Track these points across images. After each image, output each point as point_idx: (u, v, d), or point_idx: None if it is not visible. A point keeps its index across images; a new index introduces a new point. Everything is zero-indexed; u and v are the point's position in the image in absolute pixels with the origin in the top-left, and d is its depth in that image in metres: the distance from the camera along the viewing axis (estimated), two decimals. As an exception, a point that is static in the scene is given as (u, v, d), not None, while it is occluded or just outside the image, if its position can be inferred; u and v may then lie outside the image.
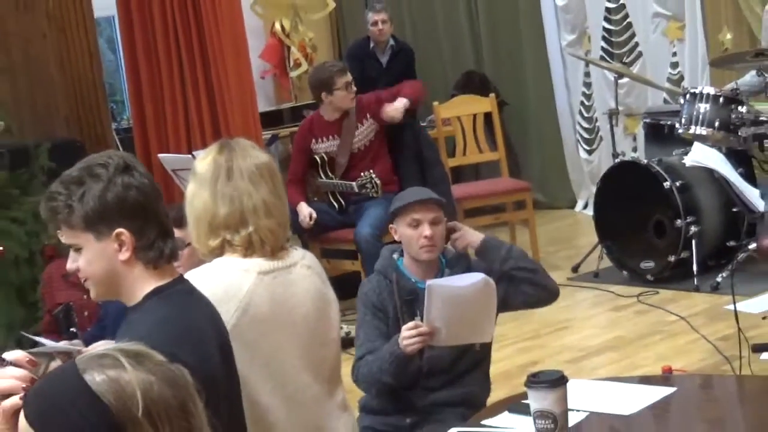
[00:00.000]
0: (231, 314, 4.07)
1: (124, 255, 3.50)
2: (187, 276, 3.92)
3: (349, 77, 9.52)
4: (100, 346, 2.94)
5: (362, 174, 9.16)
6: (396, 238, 5.33)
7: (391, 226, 5.40)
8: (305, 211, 9.37)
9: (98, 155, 3.66)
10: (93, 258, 3.54)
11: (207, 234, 4.28)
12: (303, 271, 4.41)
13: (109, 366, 2.19)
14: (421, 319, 4.85)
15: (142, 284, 3.56)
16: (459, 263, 5.36)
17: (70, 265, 3.64)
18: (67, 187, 3.51)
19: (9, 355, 2.48)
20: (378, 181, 9.10)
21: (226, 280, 4.12)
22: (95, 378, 2.16)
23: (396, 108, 9.69)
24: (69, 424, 2.16)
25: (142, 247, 3.52)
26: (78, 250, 3.56)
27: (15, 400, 2.35)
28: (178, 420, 2.19)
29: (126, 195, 3.48)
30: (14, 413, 2.34)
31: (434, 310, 4.83)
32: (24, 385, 2.38)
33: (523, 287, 5.21)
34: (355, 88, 9.55)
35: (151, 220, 3.54)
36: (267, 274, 4.24)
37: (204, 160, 4.40)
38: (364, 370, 5.04)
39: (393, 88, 10.15)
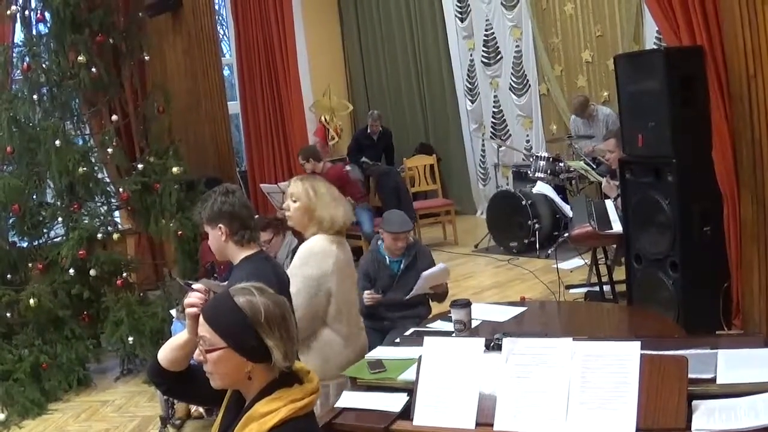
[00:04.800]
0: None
1: (223, 237, 3.58)
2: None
3: (300, 162, 9.13)
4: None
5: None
6: (382, 237, 5.36)
7: (380, 229, 5.41)
8: None
9: (217, 186, 3.76)
10: (212, 238, 3.64)
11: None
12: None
13: (247, 293, 2.28)
14: (378, 291, 5.21)
15: (238, 253, 3.61)
16: (412, 247, 5.42)
17: (208, 242, 3.76)
18: (201, 203, 3.68)
19: (195, 285, 2.53)
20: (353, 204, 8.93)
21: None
22: (240, 299, 2.26)
23: None
24: (226, 321, 2.25)
25: (232, 234, 3.58)
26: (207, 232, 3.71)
27: (196, 310, 2.41)
28: (281, 324, 2.27)
29: (222, 207, 3.57)
30: (195, 317, 2.40)
31: (422, 284, 5.11)
32: (201, 302, 2.43)
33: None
34: (305, 164, 9.10)
35: (236, 220, 3.58)
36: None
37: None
38: None
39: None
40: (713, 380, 2.80)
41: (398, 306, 5.27)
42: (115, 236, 6.91)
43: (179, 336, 2.54)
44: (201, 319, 2.31)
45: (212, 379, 2.31)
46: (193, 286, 2.54)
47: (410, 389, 3.08)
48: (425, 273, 5.13)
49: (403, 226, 5.32)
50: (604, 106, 9.87)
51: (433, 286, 5.26)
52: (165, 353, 2.56)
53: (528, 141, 11.38)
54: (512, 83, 11.41)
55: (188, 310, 2.46)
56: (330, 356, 4.15)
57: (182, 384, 2.59)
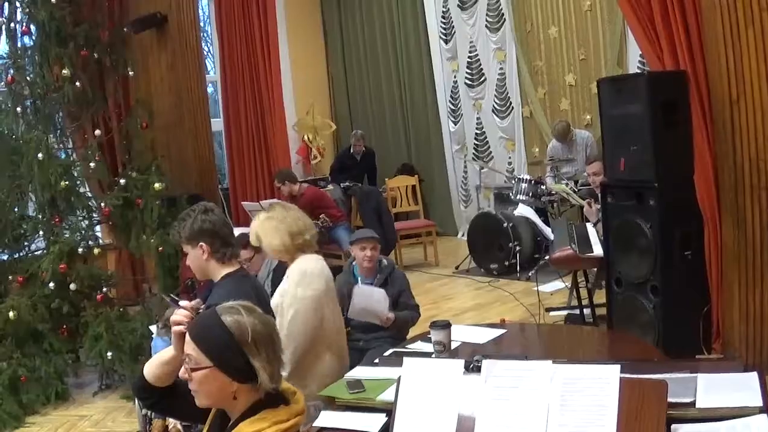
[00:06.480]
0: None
1: (204, 256, 3.61)
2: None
3: (277, 185, 9.42)
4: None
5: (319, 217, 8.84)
6: (353, 254, 5.40)
7: (350, 247, 5.48)
8: None
9: (195, 205, 3.77)
10: (191, 258, 3.67)
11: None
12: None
13: (234, 312, 2.27)
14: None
15: (219, 271, 3.64)
16: (385, 269, 5.39)
17: (187, 261, 3.77)
18: (179, 222, 3.71)
19: (182, 303, 2.53)
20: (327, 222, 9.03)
21: None
22: (227, 318, 2.25)
23: None
24: (212, 341, 2.24)
25: (213, 252, 3.61)
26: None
27: (182, 328, 2.40)
28: (268, 344, 2.26)
29: (203, 225, 3.60)
30: (181, 335, 2.39)
31: (356, 301, 5.09)
32: (187, 320, 2.43)
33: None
34: (281, 187, 9.37)
35: (218, 238, 3.61)
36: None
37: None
38: None
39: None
40: (693, 404, 2.80)
41: (370, 327, 5.23)
42: (96, 251, 6.87)
43: (165, 351, 2.52)
44: (187, 337, 2.30)
45: (197, 397, 2.30)
46: (180, 303, 2.54)
47: (389, 410, 3.06)
48: (357, 286, 5.23)
49: (369, 233, 5.44)
50: (582, 129, 9.94)
51: (382, 321, 5.22)
52: (151, 368, 2.55)
53: (510, 163, 11.41)
54: (495, 105, 11.47)
55: (174, 328, 2.44)
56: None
57: (167, 400, 2.57)
